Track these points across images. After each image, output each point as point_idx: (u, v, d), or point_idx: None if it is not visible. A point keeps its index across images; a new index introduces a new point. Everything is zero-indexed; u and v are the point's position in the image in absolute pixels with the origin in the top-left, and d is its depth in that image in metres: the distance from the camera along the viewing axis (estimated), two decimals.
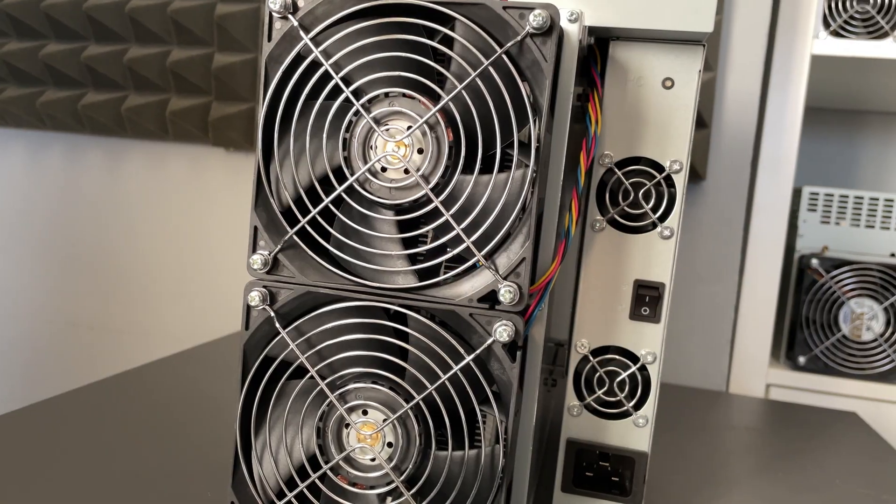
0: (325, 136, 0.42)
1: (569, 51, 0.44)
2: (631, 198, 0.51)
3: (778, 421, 0.88)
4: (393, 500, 0.43)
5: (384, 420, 0.43)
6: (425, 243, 0.43)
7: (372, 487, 0.44)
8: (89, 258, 1.30)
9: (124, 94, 1.22)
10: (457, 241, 0.41)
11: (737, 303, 1.02)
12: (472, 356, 0.41)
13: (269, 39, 0.43)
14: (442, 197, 0.41)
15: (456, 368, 0.41)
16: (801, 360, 0.99)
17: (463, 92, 0.40)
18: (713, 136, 1.02)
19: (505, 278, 0.41)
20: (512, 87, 0.40)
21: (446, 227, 0.41)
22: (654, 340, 0.51)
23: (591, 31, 0.49)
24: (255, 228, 0.44)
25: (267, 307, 0.43)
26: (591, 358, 0.52)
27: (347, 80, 0.42)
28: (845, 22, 0.91)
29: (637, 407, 0.52)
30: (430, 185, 0.41)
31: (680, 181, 0.50)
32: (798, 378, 0.99)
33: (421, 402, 0.42)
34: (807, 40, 0.93)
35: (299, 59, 0.42)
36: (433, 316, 0.42)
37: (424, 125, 0.41)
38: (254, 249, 0.44)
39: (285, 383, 0.44)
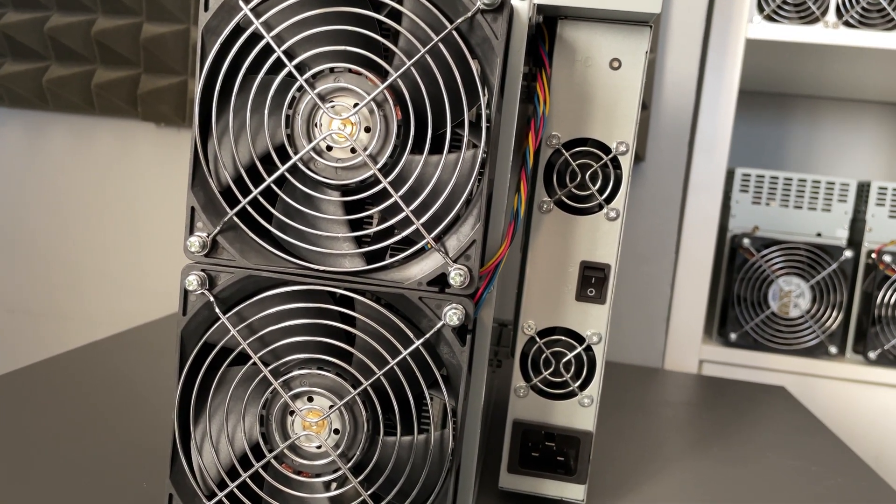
0: (266, 112, 0.40)
1: (518, 29, 0.43)
2: (578, 179, 0.51)
3: (711, 396, 0.91)
4: (339, 488, 0.42)
5: (331, 406, 0.42)
6: (372, 225, 0.42)
7: (318, 475, 0.43)
8: (9, 239, 1.23)
9: (45, 64, 1.15)
10: (405, 222, 0.40)
11: (672, 281, 1.05)
12: (422, 340, 0.40)
13: (206, 9, 0.40)
14: (390, 177, 0.39)
15: (405, 353, 0.40)
16: (733, 336, 1.02)
17: (412, 69, 0.39)
18: (653, 117, 1.04)
19: (455, 261, 0.40)
20: (462, 65, 0.39)
21: (395, 209, 0.40)
22: (599, 321, 0.52)
23: (540, 9, 0.48)
24: (192, 209, 0.42)
25: (206, 291, 0.42)
26: (537, 339, 0.52)
27: (290, 54, 0.40)
28: (779, 6, 0.93)
29: (582, 387, 0.52)
30: (378, 166, 0.40)
31: (626, 163, 0.51)
32: (730, 354, 1.02)
33: (369, 388, 0.41)
34: (741, 24, 0.95)
35: (238, 30, 0.40)
36: (380, 299, 0.41)
37: (372, 103, 0.39)
38: (191, 231, 0.42)
39: (226, 370, 0.43)
